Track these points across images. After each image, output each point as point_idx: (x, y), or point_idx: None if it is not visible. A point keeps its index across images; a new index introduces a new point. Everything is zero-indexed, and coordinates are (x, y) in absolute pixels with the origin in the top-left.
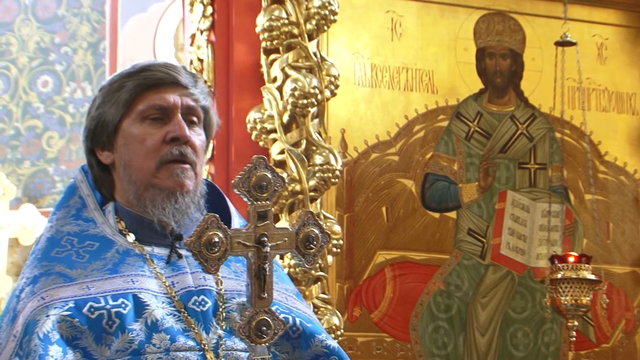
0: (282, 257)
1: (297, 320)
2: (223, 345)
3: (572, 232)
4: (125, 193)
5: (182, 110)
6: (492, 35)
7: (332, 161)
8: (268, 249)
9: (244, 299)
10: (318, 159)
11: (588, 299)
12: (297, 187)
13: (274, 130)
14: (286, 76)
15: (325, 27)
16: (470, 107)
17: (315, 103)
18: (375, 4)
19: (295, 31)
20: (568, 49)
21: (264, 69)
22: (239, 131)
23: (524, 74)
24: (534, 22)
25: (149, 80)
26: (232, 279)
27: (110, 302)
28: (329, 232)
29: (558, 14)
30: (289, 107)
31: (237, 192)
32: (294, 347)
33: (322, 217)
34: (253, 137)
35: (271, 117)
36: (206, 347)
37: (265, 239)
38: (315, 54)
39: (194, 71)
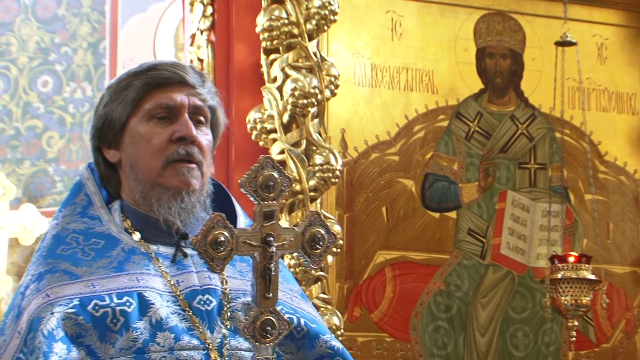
0: (282, 257)
1: (302, 321)
2: (227, 345)
3: (572, 232)
4: (132, 191)
5: (189, 109)
6: (492, 35)
7: (332, 161)
8: (274, 249)
9: (248, 298)
10: (318, 159)
11: (588, 299)
12: (297, 187)
13: (274, 130)
14: (286, 76)
15: (325, 27)
16: (470, 107)
17: (315, 103)
18: (375, 4)
19: (295, 31)
20: (568, 49)
21: (264, 69)
22: (239, 131)
23: (524, 74)
24: (534, 22)
25: (157, 80)
26: (237, 278)
27: (115, 300)
28: (335, 233)
29: (558, 14)
30: (289, 107)
31: (244, 192)
32: (299, 348)
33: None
34: (253, 137)
35: (271, 117)
36: (210, 347)
37: (272, 238)
38: (315, 54)
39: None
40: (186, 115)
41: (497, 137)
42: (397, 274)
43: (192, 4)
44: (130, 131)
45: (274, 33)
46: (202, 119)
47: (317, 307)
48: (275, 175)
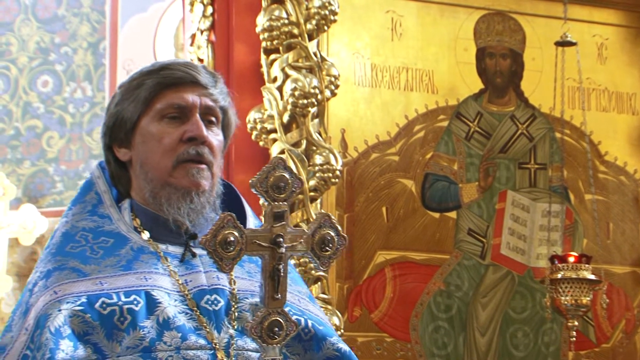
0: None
1: (309, 323)
2: (234, 345)
3: (572, 232)
4: (141, 191)
5: (201, 110)
6: (492, 35)
7: (332, 161)
8: (283, 250)
9: (256, 299)
10: (318, 159)
11: (588, 299)
12: None
13: (274, 130)
14: (286, 76)
15: (326, 27)
16: (471, 107)
17: (316, 103)
18: (375, 4)
19: (296, 31)
20: (568, 49)
21: (264, 69)
22: (239, 131)
23: (524, 74)
24: (534, 22)
25: (169, 79)
26: (245, 279)
27: (123, 299)
28: (345, 235)
29: (558, 14)
30: (289, 107)
31: (255, 192)
32: (306, 349)
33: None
34: (253, 137)
35: (271, 117)
36: (217, 346)
37: (281, 239)
38: (315, 54)
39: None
40: (197, 115)
41: (497, 137)
42: (397, 274)
43: (192, 4)
44: (141, 130)
45: (274, 33)
46: (213, 119)
47: None
48: (287, 176)
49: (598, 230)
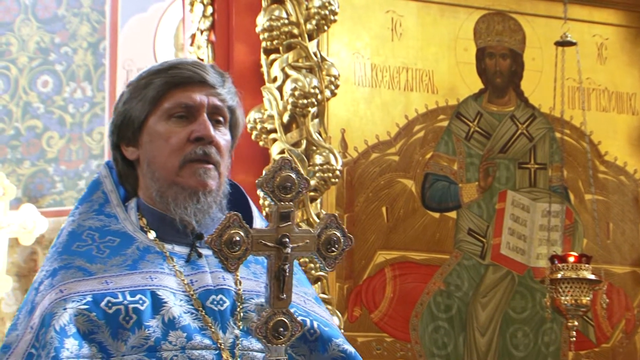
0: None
1: (315, 324)
2: (239, 345)
3: (572, 232)
4: (148, 190)
5: (208, 109)
6: (492, 35)
7: (332, 161)
8: (289, 250)
9: (262, 299)
10: (318, 159)
11: (588, 299)
12: None
13: (274, 130)
14: (286, 76)
15: (326, 27)
16: (470, 107)
17: (316, 103)
18: (375, 4)
19: (296, 31)
20: (568, 49)
21: (264, 69)
22: None
23: (524, 74)
24: (534, 22)
25: (177, 79)
26: (251, 279)
27: (128, 298)
28: (351, 236)
29: (558, 14)
30: (289, 107)
31: (261, 192)
32: (311, 350)
33: (322, 217)
34: (253, 137)
35: (271, 117)
36: (222, 347)
37: (287, 240)
38: (315, 54)
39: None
40: (205, 115)
41: (497, 137)
42: (397, 274)
43: (192, 4)
44: (148, 129)
45: (274, 33)
46: (221, 119)
47: None
48: (293, 176)
49: (598, 230)
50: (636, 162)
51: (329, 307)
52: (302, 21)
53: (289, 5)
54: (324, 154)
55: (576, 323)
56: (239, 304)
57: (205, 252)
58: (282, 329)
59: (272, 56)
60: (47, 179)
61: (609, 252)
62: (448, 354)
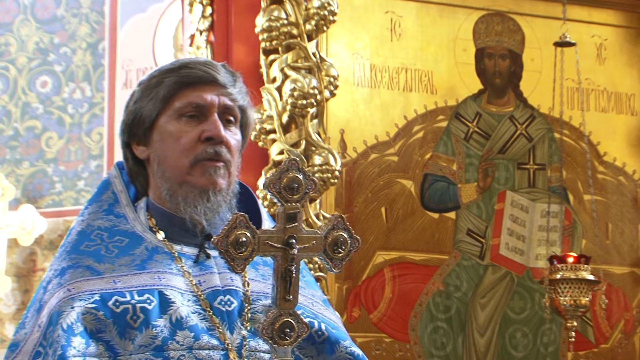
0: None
1: (323, 326)
2: (247, 346)
3: (571, 232)
4: (158, 189)
5: (219, 109)
6: (491, 35)
7: (332, 161)
8: (296, 251)
9: (269, 301)
10: (317, 160)
11: (587, 299)
12: None
13: (273, 131)
14: (285, 77)
15: (325, 28)
16: (470, 108)
17: (315, 103)
18: (374, 4)
19: (295, 31)
20: (567, 49)
21: (263, 70)
22: None
23: (523, 75)
24: (533, 22)
25: (188, 78)
26: (259, 281)
27: (136, 297)
28: (359, 237)
29: (557, 15)
30: (288, 107)
31: (268, 193)
32: (319, 352)
33: (321, 217)
34: (252, 137)
35: (270, 117)
36: (229, 347)
37: (294, 241)
38: (314, 55)
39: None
40: (216, 115)
41: (496, 138)
42: (396, 275)
43: (191, 5)
44: (159, 128)
45: (273, 33)
46: (231, 118)
47: None
48: (300, 177)
49: (597, 231)
50: (635, 163)
51: None
52: (301, 22)
53: (288, 6)
54: (323, 154)
55: (575, 323)
56: (246, 305)
57: (213, 253)
58: (288, 330)
59: (271, 57)
60: (46, 179)
61: (608, 252)
62: (447, 354)
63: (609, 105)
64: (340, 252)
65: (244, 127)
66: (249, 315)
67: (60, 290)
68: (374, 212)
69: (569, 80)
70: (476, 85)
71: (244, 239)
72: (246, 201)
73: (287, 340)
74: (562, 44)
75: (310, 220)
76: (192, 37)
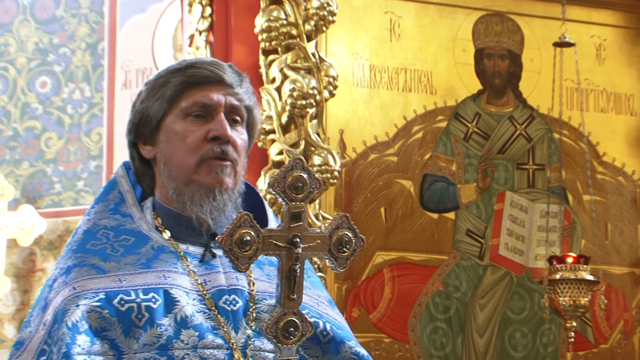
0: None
1: (328, 326)
2: (251, 345)
3: (571, 232)
4: (164, 189)
5: (226, 109)
6: (491, 36)
7: (331, 162)
8: (300, 251)
9: (275, 300)
10: (317, 160)
11: (586, 299)
12: None
13: (273, 131)
14: (285, 77)
15: (324, 28)
16: (469, 108)
17: (314, 104)
18: (373, 4)
19: (294, 32)
20: (566, 49)
21: (263, 70)
22: None
23: (522, 75)
24: (533, 23)
25: (194, 78)
26: (265, 281)
27: (141, 296)
28: (363, 236)
29: (556, 15)
30: (287, 107)
31: (272, 192)
32: (324, 352)
33: (320, 218)
34: None
35: (270, 117)
36: (234, 346)
37: (298, 240)
38: (313, 55)
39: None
40: (222, 114)
41: (495, 138)
42: (396, 275)
43: (190, 5)
44: (165, 128)
45: (273, 34)
46: (238, 118)
47: None
48: (305, 176)
49: (596, 231)
50: (634, 163)
51: None
52: (300, 22)
53: (287, 6)
54: (323, 154)
55: (574, 324)
56: (251, 304)
57: (219, 252)
58: (292, 329)
59: (271, 57)
60: (45, 179)
61: (607, 252)
62: (446, 354)
63: (608, 106)
64: (345, 252)
65: (250, 127)
66: (254, 314)
67: (65, 288)
68: (374, 213)
69: (568, 80)
70: (475, 85)
71: (248, 238)
72: (252, 201)
73: (291, 339)
74: (561, 44)
75: (309, 220)
76: (192, 37)
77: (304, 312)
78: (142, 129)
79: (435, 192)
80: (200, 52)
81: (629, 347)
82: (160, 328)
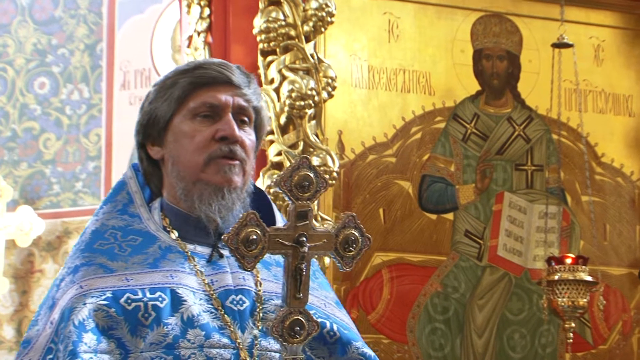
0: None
1: (335, 326)
2: (258, 345)
3: (569, 233)
4: (172, 189)
5: (233, 109)
6: (489, 37)
7: (329, 163)
8: (306, 249)
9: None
10: (315, 161)
11: (585, 300)
12: None
13: (272, 132)
14: (283, 78)
15: (323, 29)
16: (467, 109)
17: (313, 105)
18: (372, 5)
19: (293, 33)
20: (565, 50)
21: (261, 71)
22: None
23: (520, 76)
24: (531, 23)
25: (202, 79)
26: (272, 281)
27: (148, 295)
28: (370, 236)
29: (555, 16)
30: (286, 108)
31: (279, 191)
32: (331, 353)
33: (319, 218)
34: None
35: (268, 118)
36: (241, 346)
37: (304, 239)
38: (312, 56)
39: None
40: (230, 115)
41: (494, 139)
42: (394, 276)
43: (189, 6)
44: (174, 129)
45: (271, 35)
46: (245, 119)
47: None
48: (311, 175)
49: (595, 232)
50: (633, 164)
51: None
52: (299, 23)
53: (286, 7)
54: (321, 155)
55: (573, 325)
56: (258, 304)
57: (226, 252)
58: (298, 328)
59: (269, 58)
60: (44, 180)
61: (605, 253)
62: (445, 355)
63: (607, 107)
64: (351, 251)
65: (258, 128)
66: (261, 315)
67: (72, 287)
68: (372, 213)
69: (566, 81)
70: (474, 86)
71: (254, 237)
72: (259, 202)
73: (297, 338)
74: (559, 45)
75: None
76: (190, 38)
77: (311, 312)
78: (150, 130)
79: (434, 193)
80: (199, 53)
81: (628, 348)
82: (167, 327)
